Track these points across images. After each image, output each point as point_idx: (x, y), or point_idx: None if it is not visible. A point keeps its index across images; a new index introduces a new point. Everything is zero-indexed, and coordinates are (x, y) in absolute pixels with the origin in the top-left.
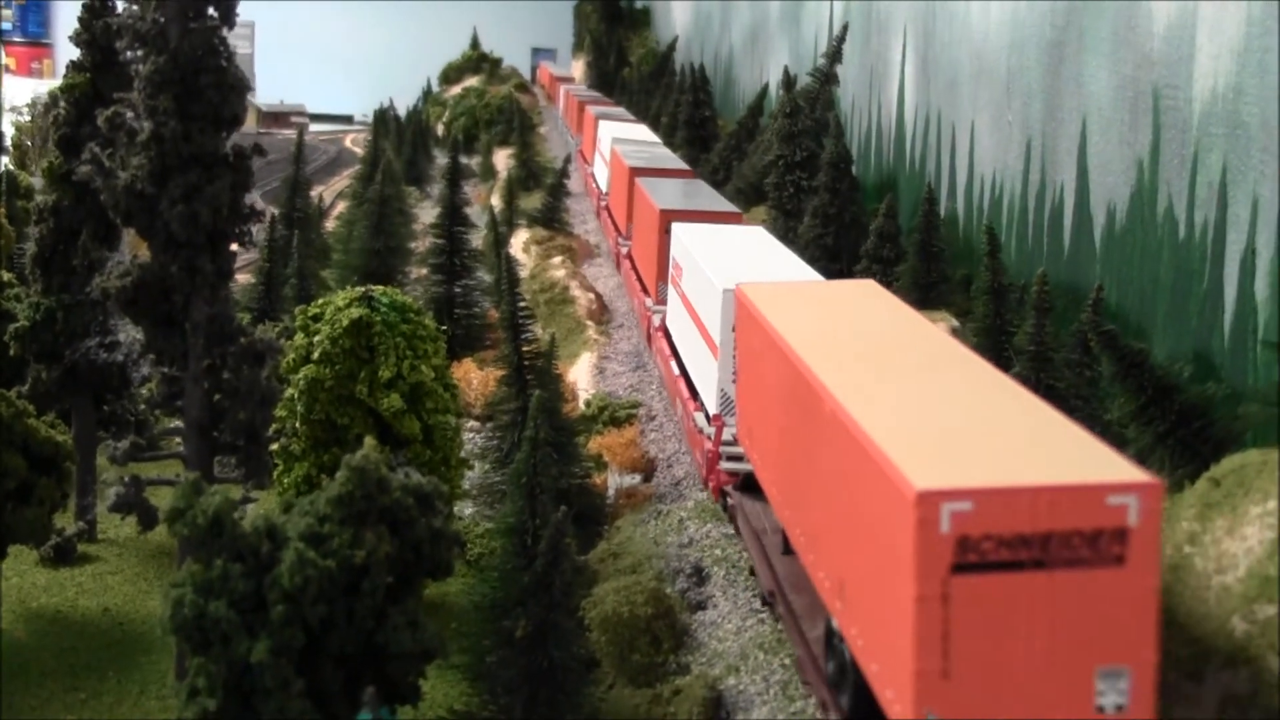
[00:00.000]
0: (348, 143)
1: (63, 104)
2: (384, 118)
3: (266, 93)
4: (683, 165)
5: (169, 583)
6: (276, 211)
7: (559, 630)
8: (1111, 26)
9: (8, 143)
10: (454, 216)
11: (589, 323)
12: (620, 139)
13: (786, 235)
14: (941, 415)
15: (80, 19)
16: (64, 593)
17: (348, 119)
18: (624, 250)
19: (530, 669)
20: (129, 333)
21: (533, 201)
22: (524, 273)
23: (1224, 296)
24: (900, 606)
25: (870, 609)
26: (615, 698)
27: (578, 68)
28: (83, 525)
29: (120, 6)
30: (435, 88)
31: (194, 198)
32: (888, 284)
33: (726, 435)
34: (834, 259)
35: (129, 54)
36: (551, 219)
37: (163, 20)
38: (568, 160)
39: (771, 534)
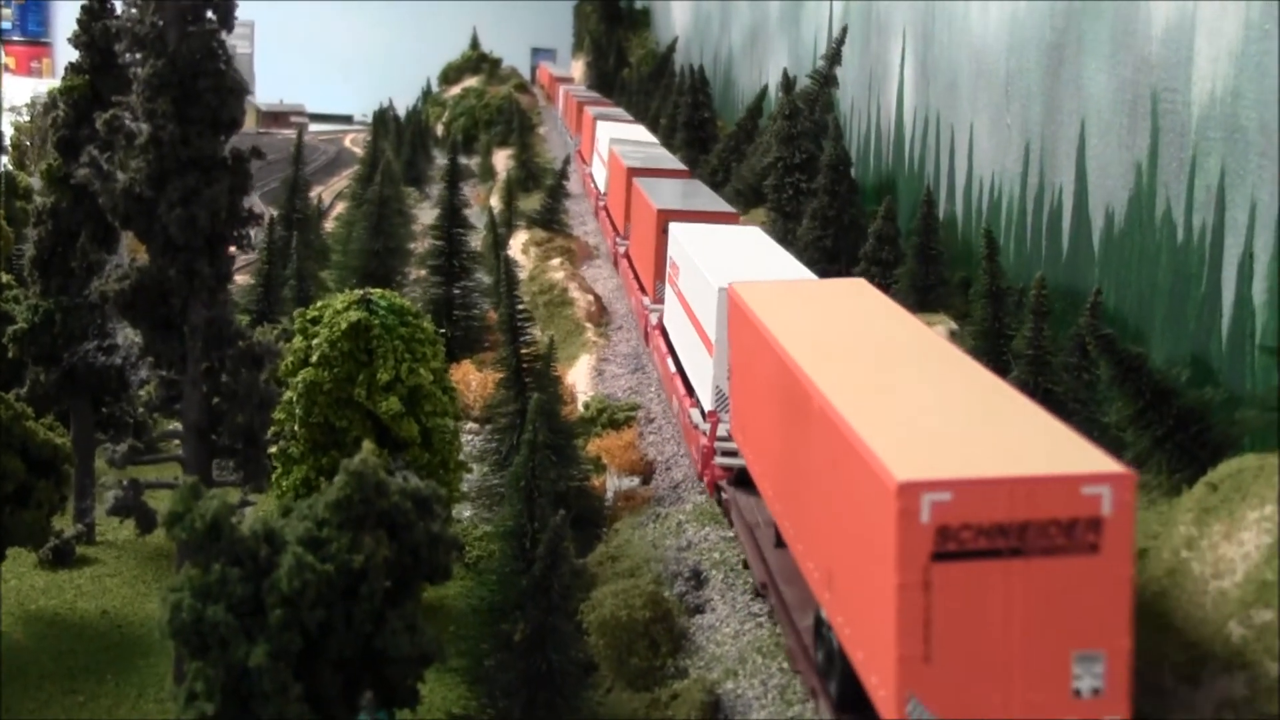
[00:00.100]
0: (347, 143)
1: (61, 106)
2: (383, 118)
3: (266, 92)
4: (680, 166)
5: (167, 586)
6: (275, 212)
7: (557, 634)
8: (1110, 29)
9: (7, 143)
10: (453, 218)
11: (588, 325)
12: (618, 139)
13: (785, 237)
14: (924, 409)
15: (79, 21)
16: (62, 595)
17: (347, 119)
18: (622, 250)
19: (528, 672)
20: (127, 335)
21: (532, 203)
22: (523, 274)
23: (1222, 300)
24: (883, 594)
25: (856, 598)
26: (613, 701)
27: (577, 68)
28: (81, 528)
29: (119, 8)
30: (435, 88)
31: (192, 201)
32: (886, 287)
33: (721, 431)
34: (833, 261)
35: (128, 57)
36: (550, 220)
37: (161, 23)
38: (567, 161)
39: (764, 528)
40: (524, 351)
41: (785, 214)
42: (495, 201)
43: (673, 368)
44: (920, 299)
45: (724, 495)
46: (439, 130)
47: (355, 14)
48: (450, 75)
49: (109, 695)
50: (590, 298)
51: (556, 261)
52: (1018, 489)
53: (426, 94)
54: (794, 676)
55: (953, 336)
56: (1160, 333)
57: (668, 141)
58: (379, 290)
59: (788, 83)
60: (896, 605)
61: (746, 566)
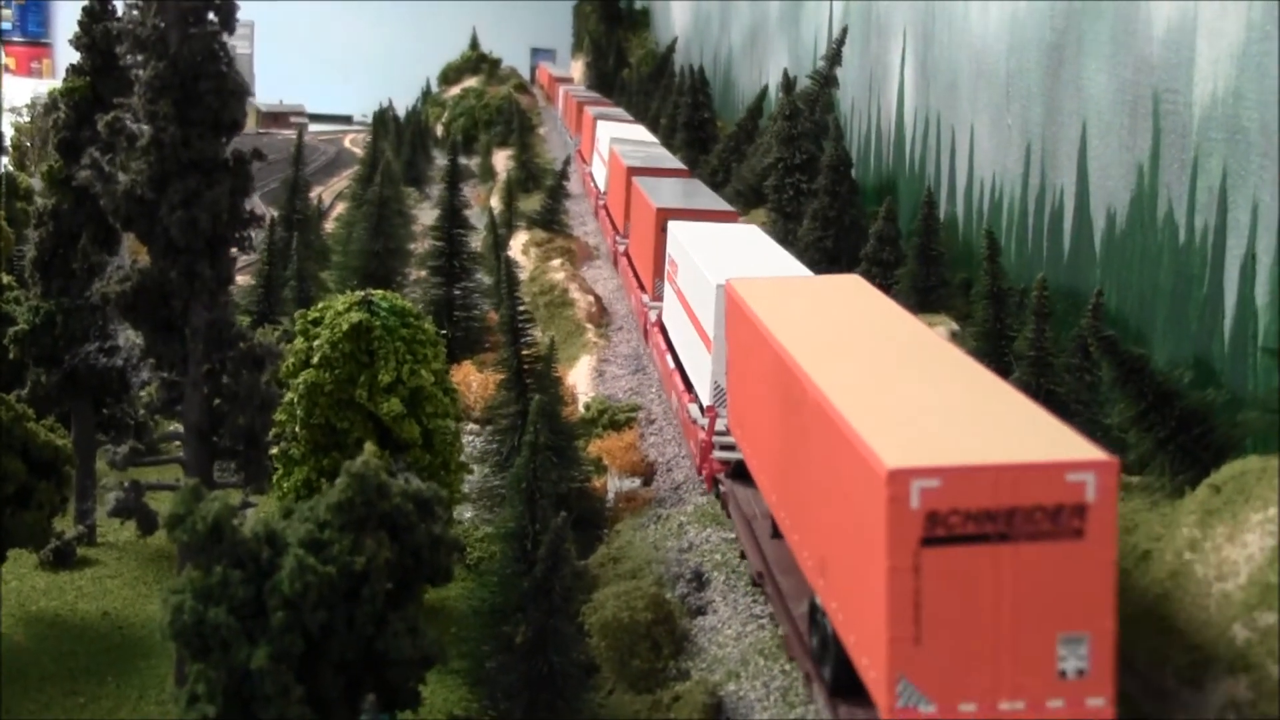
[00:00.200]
0: (347, 143)
1: (62, 108)
2: (383, 118)
3: (266, 93)
4: (679, 165)
5: (168, 588)
6: (276, 213)
7: (559, 635)
8: (1111, 30)
9: (7, 144)
10: (453, 218)
11: (588, 325)
12: (618, 139)
13: (786, 238)
14: (913, 399)
15: (80, 22)
16: (63, 596)
17: (347, 119)
18: (621, 248)
19: (530, 674)
20: (128, 337)
21: (532, 203)
22: (523, 275)
23: (1224, 302)
24: (874, 578)
25: (848, 583)
26: (615, 703)
27: (577, 68)
28: (82, 529)
29: (120, 9)
30: (434, 88)
31: (193, 203)
32: (887, 288)
33: (719, 425)
34: (833, 262)
35: (129, 59)
36: (551, 221)
37: (163, 25)
38: (567, 162)
39: (761, 519)
40: (525, 352)
41: (786, 215)
42: (495, 202)
43: (672, 364)
44: (921, 300)
45: (722, 488)
46: (439, 131)
47: (355, 14)
48: (450, 75)
49: (110, 697)
50: (591, 298)
51: (557, 262)
52: (1004, 476)
53: (426, 94)
54: (796, 678)
55: (954, 338)
56: (1162, 334)
57: (668, 142)
58: (380, 291)
59: (788, 83)
60: (887, 589)
61: (743, 557)
